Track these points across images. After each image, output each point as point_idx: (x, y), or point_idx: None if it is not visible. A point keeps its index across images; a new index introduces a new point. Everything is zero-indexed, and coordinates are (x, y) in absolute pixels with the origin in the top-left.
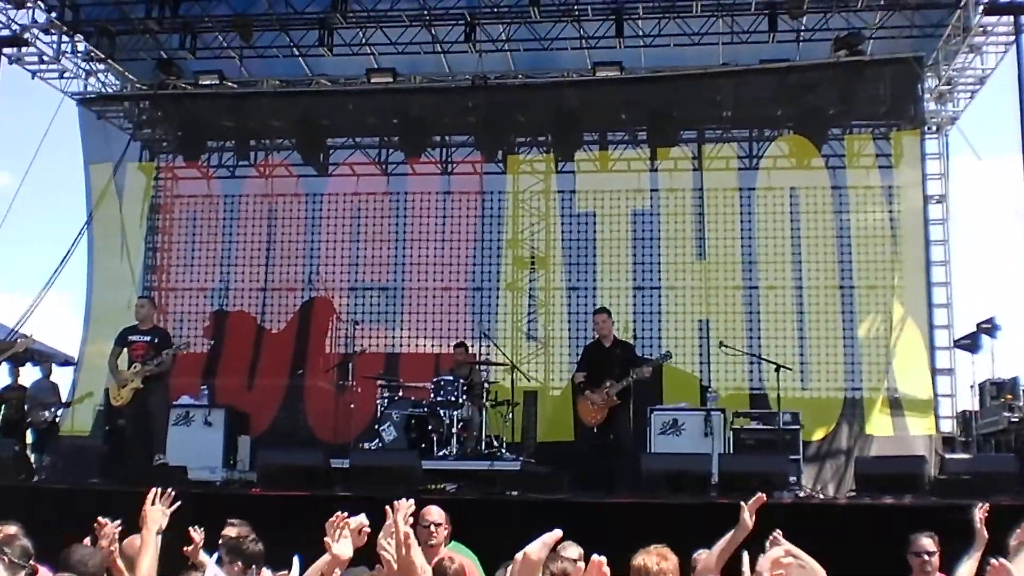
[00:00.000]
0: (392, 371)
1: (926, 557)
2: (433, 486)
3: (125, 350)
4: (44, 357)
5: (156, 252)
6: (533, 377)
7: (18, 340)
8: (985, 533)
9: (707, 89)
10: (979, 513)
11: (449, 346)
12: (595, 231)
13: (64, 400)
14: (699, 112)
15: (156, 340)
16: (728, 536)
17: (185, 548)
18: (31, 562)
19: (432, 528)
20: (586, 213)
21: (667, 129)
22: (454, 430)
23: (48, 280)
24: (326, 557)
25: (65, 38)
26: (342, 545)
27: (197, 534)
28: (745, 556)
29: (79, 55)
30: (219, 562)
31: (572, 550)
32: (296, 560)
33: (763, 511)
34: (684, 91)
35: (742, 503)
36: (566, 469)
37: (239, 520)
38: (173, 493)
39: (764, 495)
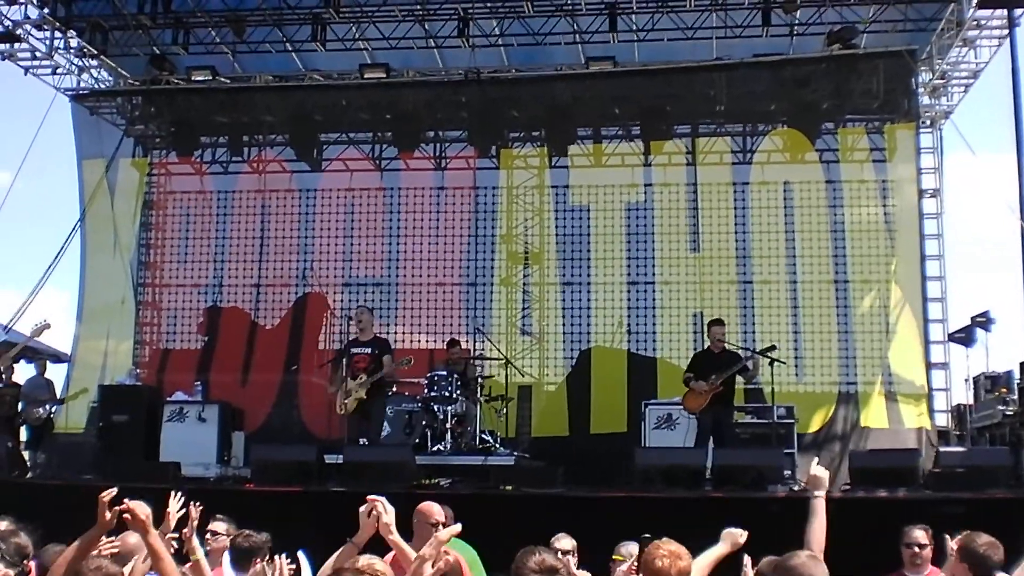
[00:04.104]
0: None
1: (917, 549)
2: (427, 481)
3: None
4: (38, 354)
5: (149, 248)
6: (527, 372)
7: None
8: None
9: (700, 83)
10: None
11: (443, 341)
12: (589, 225)
13: (59, 397)
14: (693, 106)
15: (376, 351)
16: (711, 553)
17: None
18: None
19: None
20: (580, 208)
21: (660, 123)
22: (448, 425)
23: (42, 277)
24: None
25: (58, 34)
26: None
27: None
28: (747, 559)
29: (72, 51)
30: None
31: (565, 541)
32: (302, 556)
33: (758, 506)
34: (677, 85)
35: (731, 530)
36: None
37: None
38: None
39: (746, 532)
